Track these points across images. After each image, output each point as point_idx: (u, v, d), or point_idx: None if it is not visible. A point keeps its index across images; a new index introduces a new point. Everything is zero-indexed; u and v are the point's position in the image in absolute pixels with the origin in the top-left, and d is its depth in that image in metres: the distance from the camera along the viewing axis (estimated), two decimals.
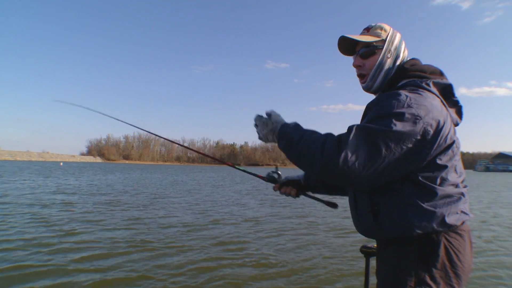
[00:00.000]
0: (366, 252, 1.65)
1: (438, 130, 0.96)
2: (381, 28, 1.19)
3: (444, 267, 0.97)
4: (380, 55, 1.16)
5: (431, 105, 0.97)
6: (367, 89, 1.21)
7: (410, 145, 0.93)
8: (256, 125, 1.23)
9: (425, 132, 0.94)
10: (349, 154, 0.91)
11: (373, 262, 1.35)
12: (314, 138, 1.00)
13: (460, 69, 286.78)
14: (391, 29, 1.21)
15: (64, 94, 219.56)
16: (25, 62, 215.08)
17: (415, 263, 0.99)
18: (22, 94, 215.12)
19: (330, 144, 0.94)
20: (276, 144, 1.14)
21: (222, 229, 6.58)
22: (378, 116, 0.96)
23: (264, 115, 1.21)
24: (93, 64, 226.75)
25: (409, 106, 0.94)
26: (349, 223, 6.76)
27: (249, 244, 5.44)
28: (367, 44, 1.17)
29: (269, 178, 1.45)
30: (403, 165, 0.96)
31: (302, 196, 1.45)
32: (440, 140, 0.97)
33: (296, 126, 1.10)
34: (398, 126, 0.92)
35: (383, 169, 0.94)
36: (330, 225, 7.18)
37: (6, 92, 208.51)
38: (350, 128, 0.95)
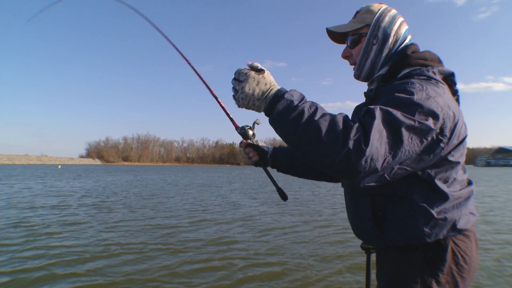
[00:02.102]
0: (367, 249, 1.58)
1: (455, 123, 0.89)
2: (368, 11, 1.09)
3: (451, 271, 0.92)
4: (364, 42, 1.07)
5: (447, 97, 0.90)
6: (356, 77, 1.14)
7: (429, 138, 0.83)
8: (238, 80, 0.90)
9: (443, 125, 0.85)
10: (375, 144, 0.74)
11: (374, 258, 1.22)
12: (333, 118, 0.78)
13: (456, 64, 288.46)
14: (380, 9, 1.08)
15: (64, 92, 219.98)
16: (24, 64, 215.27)
17: (420, 269, 0.93)
18: (21, 97, 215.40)
19: (355, 129, 0.75)
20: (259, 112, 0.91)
21: (217, 228, 6.45)
22: (398, 104, 0.81)
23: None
24: (93, 62, 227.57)
25: (428, 96, 0.84)
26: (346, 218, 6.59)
27: (243, 243, 5.33)
28: (353, 32, 1.09)
29: (241, 131, 1.28)
30: (418, 160, 0.87)
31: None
32: (456, 134, 0.90)
33: (301, 96, 0.85)
34: (422, 117, 0.81)
35: (400, 163, 0.84)
36: (327, 222, 7.09)
37: (5, 95, 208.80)
38: (371, 111, 0.78)
